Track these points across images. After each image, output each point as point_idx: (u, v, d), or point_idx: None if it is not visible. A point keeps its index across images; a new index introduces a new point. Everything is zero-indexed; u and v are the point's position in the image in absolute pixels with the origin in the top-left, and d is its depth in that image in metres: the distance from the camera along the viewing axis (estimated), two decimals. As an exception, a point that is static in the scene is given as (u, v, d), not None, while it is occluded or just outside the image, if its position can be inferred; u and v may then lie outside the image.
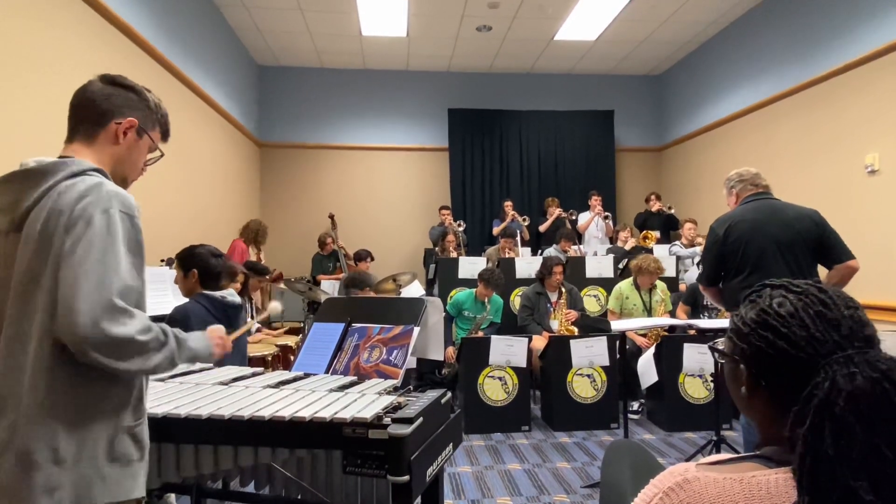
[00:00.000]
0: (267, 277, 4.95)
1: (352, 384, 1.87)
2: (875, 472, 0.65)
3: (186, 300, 2.72)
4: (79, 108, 1.30)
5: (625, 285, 4.96)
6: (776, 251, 2.66)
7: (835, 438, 0.67)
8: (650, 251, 5.98)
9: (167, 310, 2.75)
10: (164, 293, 3.53)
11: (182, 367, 2.10)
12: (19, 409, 1.13)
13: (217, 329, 1.50)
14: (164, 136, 1.42)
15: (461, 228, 7.19)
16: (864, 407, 0.67)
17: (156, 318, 1.25)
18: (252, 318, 4.81)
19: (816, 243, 2.70)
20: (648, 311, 4.85)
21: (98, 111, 1.29)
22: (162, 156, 1.43)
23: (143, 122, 1.34)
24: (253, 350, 3.83)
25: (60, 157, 1.27)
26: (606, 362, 4.36)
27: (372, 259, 6.62)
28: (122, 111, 1.31)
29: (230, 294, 2.75)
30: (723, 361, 0.90)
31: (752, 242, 2.68)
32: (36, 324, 1.14)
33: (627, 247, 6.54)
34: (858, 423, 0.66)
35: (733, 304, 2.78)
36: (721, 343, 0.92)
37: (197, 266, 2.70)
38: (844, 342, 0.75)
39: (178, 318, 2.50)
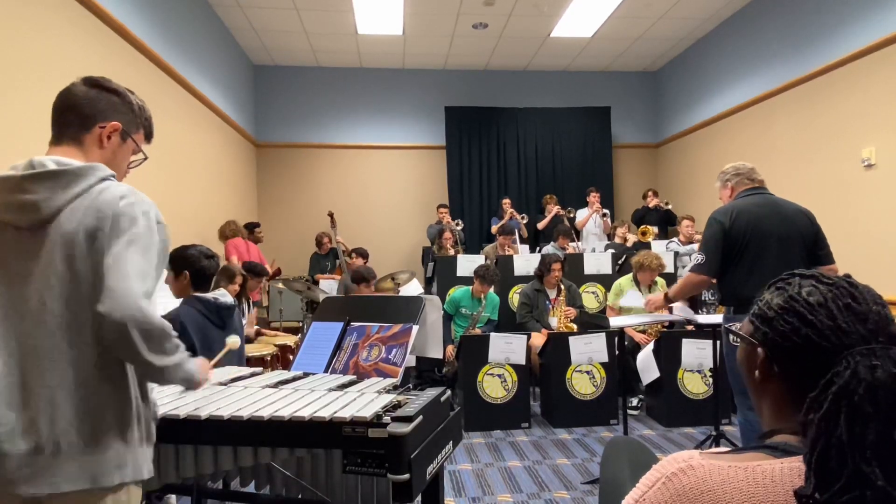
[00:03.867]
0: (265, 279, 4.93)
1: (351, 383, 1.87)
2: (887, 460, 0.66)
3: (178, 301, 2.67)
4: (63, 112, 1.30)
5: (624, 281, 4.95)
6: (776, 246, 2.67)
7: (849, 425, 0.68)
8: (648, 246, 5.98)
9: (159, 311, 2.71)
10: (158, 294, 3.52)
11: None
12: (81, 396, 1.18)
13: (205, 361, 1.54)
14: (148, 137, 1.42)
15: (459, 227, 7.17)
16: (881, 399, 0.68)
17: None
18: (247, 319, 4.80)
19: (812, 241, 2.73)
20: (648, 308, 4.84)
21: (82, 115, 1.29)
22: (146, 158, 1.43)
23: (127, 126, 1.34)
24: (251, 350, 3.82)
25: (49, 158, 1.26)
26: (605, 359, 4.36)
27: (367, 258, 6.60)
28: (105, 115, 1.31)
29: (222, 295, 2.69)
30: (737, 343, 0.90)
31: (754, 235, 2.69)
32: (82, 319, 1.17)
33: (629, 243, 6.53)
34: (875, 412, 0.67)
35: (731, 297, 2.78)
36: (738, 326, 0.92)
37: (189, 267, 2.62)
38: (869, 336, 0.75)
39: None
